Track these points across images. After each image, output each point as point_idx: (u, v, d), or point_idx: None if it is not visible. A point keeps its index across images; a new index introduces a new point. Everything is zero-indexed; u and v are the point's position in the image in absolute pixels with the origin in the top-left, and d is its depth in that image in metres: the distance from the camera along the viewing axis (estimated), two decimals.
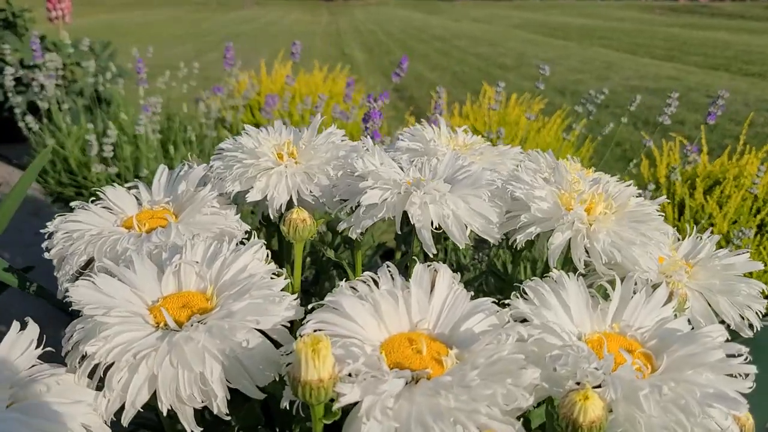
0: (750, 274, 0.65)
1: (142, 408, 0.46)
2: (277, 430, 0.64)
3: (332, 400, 0.43)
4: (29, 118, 1.68)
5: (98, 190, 0.66)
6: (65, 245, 0.60)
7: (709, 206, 1.35)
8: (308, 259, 0.75)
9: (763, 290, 0.65)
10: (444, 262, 0.98)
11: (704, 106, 4.78)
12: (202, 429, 0.63)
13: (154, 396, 0.47)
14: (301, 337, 0.42)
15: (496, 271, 0.74)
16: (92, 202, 0.66)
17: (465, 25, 12.01)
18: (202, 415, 0.65)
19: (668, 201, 1.44)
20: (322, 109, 1.41)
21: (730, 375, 0.47)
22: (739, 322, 0.62)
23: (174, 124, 1.74)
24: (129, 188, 0.69)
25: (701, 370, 0.46)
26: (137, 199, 0.68)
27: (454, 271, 0.76)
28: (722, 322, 0.65)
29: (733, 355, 0.47)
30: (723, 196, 1.39)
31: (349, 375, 0.44)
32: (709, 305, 0.63)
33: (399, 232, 0.58)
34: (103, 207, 0.66)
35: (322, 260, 0.78)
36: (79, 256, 0.59)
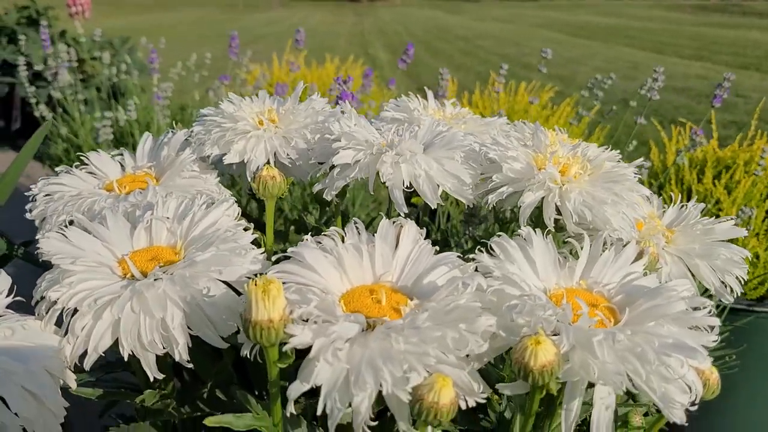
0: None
1: (103, 353, 0.47)
2: (255, 392, 0.65)
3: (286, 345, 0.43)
4: (42, 107, 1.72)
5: (82, 155, 0.68)
6: (46, 206, 0.61)
7: (717, 191, 1.33)
8: (292, 228, 0.76)
9: (747, 257, 0.64)
10: (439, 237, 0.98)
11: (732, 105, 4.68)
12: (180, 388, 0.64)
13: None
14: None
15: (479, 239, 0.74)
16: (76, 167, 0.67)
17: (489, 25, 11.97)
18: (180, 375, 0.66)
19: (677, 187, 1.42)
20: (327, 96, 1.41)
21: (695, 328, 0.46)
22: (719, 287, 0.61)
23: (186, 113, 1.77)
24: (114, 155, 0.70)
25: (663, 321, 0.46)
26: (121, 165, 0.69)
27: (445, 245, 0.76)
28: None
29: (698, 309, 0.47)
30: (732, 181, 1.37)
31: (305, 321, 0.44)
32: (690, 271, 0.62)
33: (371, 193, 0.59)
34: (87, 172, 0.67)
35: (308, 230, 0.78)
36: (57, 215, 0.60)
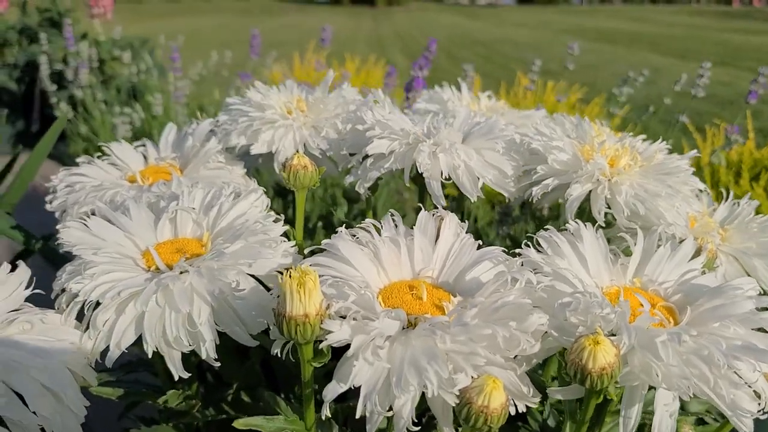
0: None
1: (126, 350, 0.44)
2: (282, 395, 0.62)
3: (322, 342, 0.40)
4: (63, 105, 1.71)
5: (104, 145, 0.65)
6: (67, 197, 0.59)
7: (755, 193, 1.28)
8: (320, 223, 0.73)
9: None
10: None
11: (759, 112, 4.59)
12: (203, 391, 0.61)
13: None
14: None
15: (515, 238, 0.70)
16: (98, 158, 0.65)
17: (508, 31, 11.90)
18: (204, 376, 0.63)
19: (713, 189, 1.37)
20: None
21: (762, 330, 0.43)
22: None
23: (205, 112, 1.75)
24: (137, 146, 0.67)
25: (728, 322, 0.42)
26: (144, 156, 0.67)
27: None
28: None
29: (766, 309, 0.43)
30: None
31: (342, 317, 0.41)
32: (745, 271, 0.58)
33: (407, 185, 0.55)
34: (109, 163, 0.65)
35: (335, 226, 0.75)
36: (79, 206, 0.57)
